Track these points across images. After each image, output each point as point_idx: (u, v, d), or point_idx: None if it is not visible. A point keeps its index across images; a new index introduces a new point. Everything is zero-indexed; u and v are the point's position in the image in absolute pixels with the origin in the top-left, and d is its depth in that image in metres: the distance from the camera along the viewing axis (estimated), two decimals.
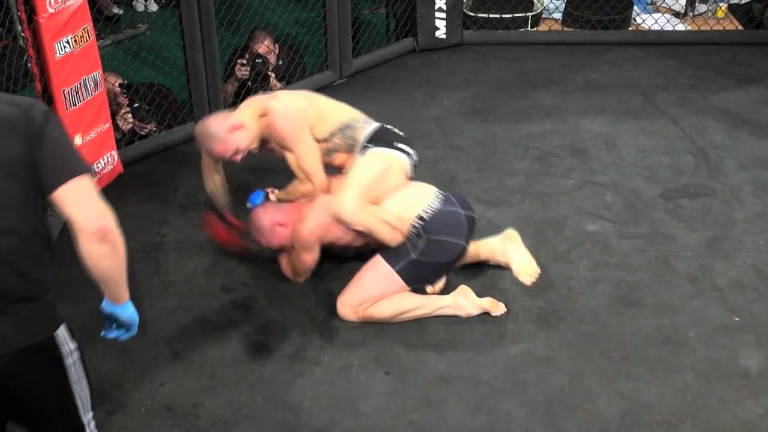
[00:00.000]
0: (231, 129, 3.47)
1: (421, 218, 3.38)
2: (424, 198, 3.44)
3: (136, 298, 3.57)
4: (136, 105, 4.64)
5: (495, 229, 3.96)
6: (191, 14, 4.47)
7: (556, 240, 3.91)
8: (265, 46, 4.99)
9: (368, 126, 3.65)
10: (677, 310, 3.49)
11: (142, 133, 4.67)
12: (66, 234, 4.07)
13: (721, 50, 5.75)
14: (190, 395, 3.13)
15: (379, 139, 3.59)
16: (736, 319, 3.45)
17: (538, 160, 4.54)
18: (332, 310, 3.49)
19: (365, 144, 3.59)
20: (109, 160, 4.32)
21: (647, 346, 3.31)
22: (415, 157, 3.63)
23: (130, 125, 4.65)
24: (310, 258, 3.49)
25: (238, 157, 3.56)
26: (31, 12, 3.69)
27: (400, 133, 3.68)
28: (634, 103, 5.11)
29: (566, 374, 3.19)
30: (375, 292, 3.40)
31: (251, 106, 3.62)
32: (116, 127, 4.59)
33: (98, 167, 4.26)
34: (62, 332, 2.25)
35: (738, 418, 3.00)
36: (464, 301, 3.45)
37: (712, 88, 5.29)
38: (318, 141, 3.61)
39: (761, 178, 4.36)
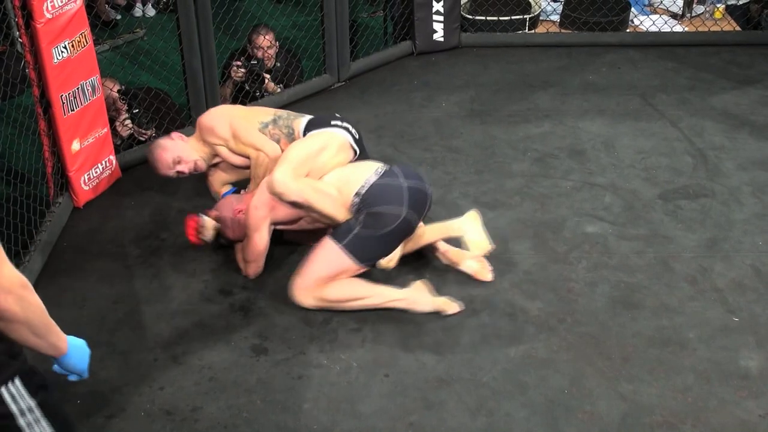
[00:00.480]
0: (172, 137, 3.87)
1: (357, 194, 3.42)
2: (363, 174, 3.48)
3: (134, 302, 3.60)
4: (135, 111, 4.64)
5: (494, 231, 3.96)
6: (189, 19, 4.47)
7: (555, 242, 3.91)
8: (267, 40, 5.01)
9: (304, 117, 3.89)
10: (677, 311, 3.49)
11: (142, 139, 4.67)
12: (64, 239, 4.09)
13: (719, 51, 5.76)
14: (189, 399, 3.12)
15: (316, 124, 3.81)
16: (736, 319, 3.44)
17: (536, 162, 4.54)
18: (331, 313, 3.48)
19: (305, 130, 3.80)
20: (107, 165, 4.32)
21: (647, 348, 3.31)
22: (354, 132, 3.78)
23: (130, 131, 4.66)
24: (258, 239, 3.53)
25: (183, 169, 3.90)
26: (29, 17, 3.70)
27: (337, 115, 3.88)
28: (632, 105, 5.11)
29: (566, 376, 3.19)
30: (325, 272, 3.40)
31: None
32: (116, 133, 4.60)
33: (96, 172, 4.26)
34: (13, 389, 1.96)
35: (738, 419, 2.99)
36: (419, 296, 3.46)
37: (710, 89, 5.29)
38: (258, 123, 3.88)
39: (760, 179, 4.35)
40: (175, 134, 3.92)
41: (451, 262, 3.70)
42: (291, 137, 3.82)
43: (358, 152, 3.76)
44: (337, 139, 3.68)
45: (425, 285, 3.49)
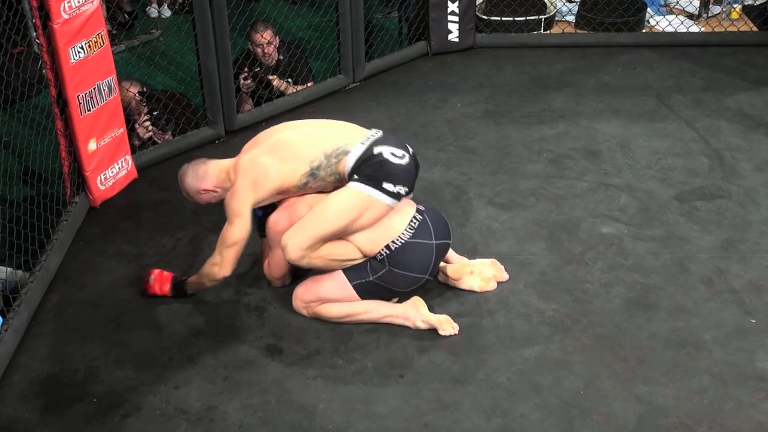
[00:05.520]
0: (202, 191, 3.50)
1: (387, 247, 3.33)
2: (397, 227, 3.33)
3: (149, 301, 3.61)
4: (155, 114, 4.66)
5: (509, 233, 3.96)
6: (204, 20, 4.49)
7: (570, 243, 3.90)
8: (265, 37, 5.03)
9: (352, 152, 3.30)
10: (693, 313, 3.47)
11: (160, 141, 4.70)
12: (80, 238, 4.11)
13: (735, 52, 5.72)
14: (204, 398, 3.14)
15: (369, 170, 3.28)
16: (753, 321, 3.42)
17: (551, 163, 4.53)
18: None
19: (352, 173, 3.30)
20: (123, 165, 4.34)
21: (663, 349, 3.29)
22: (404, 193, 3.32)
23: (150, 133, 4.68)
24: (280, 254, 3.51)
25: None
26: (46, 18, 3.72)
27: (395, 157, 3.30)
28: (647, 106, 5.09)
29: (581, 377, 3.18)
30: (328, 295, 3.41)
31: (225, 166, 3.48)
32: (136, 136, 4.63)
33: (112, 172, 4.28)
34: None
35: (755, 421, 2.97)
36: (414, 313, 3.41)
37: (726, 89, 5.26)
38: (295, 191, 3.41)
39: None
40: (205, 188, 3.50)
41: (451, 279, 3.61)
42: (339, 182, 3.36)
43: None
44: (377, 206, 3.28)
45: (421, 302, 3.45)
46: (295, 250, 3.29)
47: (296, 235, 3.30)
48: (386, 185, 3.27)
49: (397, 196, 3.30)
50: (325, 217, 3.29)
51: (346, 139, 3.37)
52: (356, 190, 3.28)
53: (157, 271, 3.62)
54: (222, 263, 3.37)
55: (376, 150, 3.31)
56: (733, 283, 3.62)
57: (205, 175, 3.47)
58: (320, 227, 3.29)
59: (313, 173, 3.34)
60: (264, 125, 4.20)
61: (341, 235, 3.32)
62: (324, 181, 3.37)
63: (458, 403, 3.08)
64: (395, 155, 3.31)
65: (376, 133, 3.40)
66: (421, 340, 3.37)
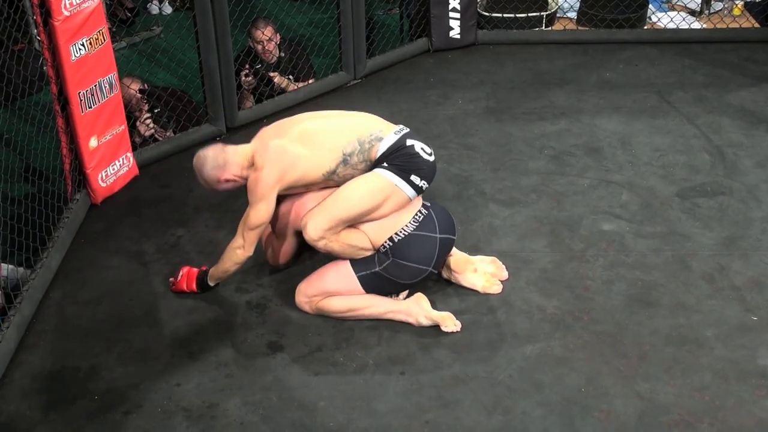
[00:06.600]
0: (222, 181, 3.38)
1: (391, 239, 3.35)
2: (401, 220, 3.36)
3: (151, 299, 3.62)
4: (156, 111, 4.66)
5: (510, 229, 3.96)
6: (205, 16, 4.48)
7: (571, 239, 3.90)
8: (266, 34, 5.03)
9: (385, 139, 3.35)
10: (694, 310, 3.47)
11: (161, 138, 4.70)
12: (82, 236, 4.11)
13: (737, 48, 5.72)
14: (205, 395, 3.14)
15: (399, 160, 3.33)
16: (754, 318, 3.42)
17: (553, 160, 4.53)
18: None
19: (381, 160, 3.33)
20: (124, 162, 4.34)
21: (664, 346, 3.29)
22: (424, 189, 3.40)
23: (152, 131, 4.68)
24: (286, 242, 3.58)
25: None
26: (47, 15, 3.72)
27: (425, 152, 3.38)
28: (649, 102, 5.09)
29: (583, 374, 3.18)
30: (332, 287, 3.42)
31: (246, 154, 3.38)
32: (138, 133, 4.63)
33: (113, 169, 4.28)
34: None
35: (756, 418, 2.97)
36: (417, 309, 3.42)
37: (728, 86, 5.26)
38: (321, 180, 3.39)
39: None
40: (226, 179, 3.40)
41: (453, 271, 3.60)
42: (371, 167, 3.36)
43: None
44: (399, 196, 3.32)
45: (424, 298, 3.45)
46: (315, 231, 3.30)
47: (318, 216, 3.31)
48: (414, 178, 3.34)
49: (419, 190, 3.37)
50: (350, 200, 3.31)
51: (378, 126, 3.40)
52: (384, 177, 3.32)
53: (186, 269, 3.63)
54: (245, 245, 3.37)
55: (409, 142, 3.37)
56: (734, 280, 3.62)
57: (225, 164, 3.35)
58: (343, 210, 3.31)
59: (345, 160, 3.32)
60: (265, 122, 4.21)
61: (359, 220, 3.34)
62: (354, 169, 3.34)
63: (459, 401, 3.08)
64: (425, 151, 3.40)
65: (404, 128, 3.44)
66: (422, 337, 3.37)
